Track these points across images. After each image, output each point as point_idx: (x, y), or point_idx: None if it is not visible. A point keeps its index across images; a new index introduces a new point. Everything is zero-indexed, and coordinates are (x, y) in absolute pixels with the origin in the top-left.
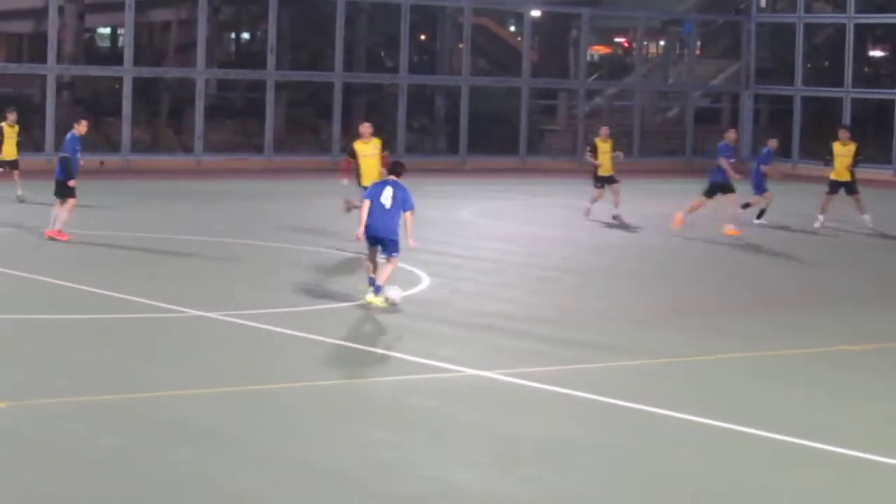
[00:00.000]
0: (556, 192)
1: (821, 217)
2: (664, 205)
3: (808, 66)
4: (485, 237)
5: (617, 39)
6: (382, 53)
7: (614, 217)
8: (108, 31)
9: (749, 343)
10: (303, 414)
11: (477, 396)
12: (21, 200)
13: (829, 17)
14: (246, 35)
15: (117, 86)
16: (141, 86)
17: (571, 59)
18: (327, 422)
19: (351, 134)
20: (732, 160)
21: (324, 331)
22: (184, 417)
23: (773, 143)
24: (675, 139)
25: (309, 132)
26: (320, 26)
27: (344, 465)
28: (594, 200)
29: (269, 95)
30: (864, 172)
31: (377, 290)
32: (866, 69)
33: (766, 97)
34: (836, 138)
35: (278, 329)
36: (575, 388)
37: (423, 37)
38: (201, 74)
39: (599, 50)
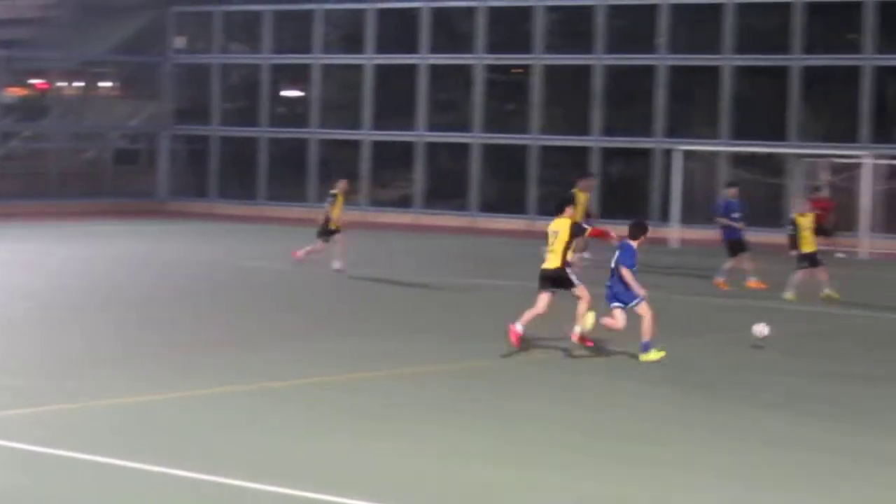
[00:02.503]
0: None
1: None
2: (90, 246)
3: (227, 106)
4: None
5: (32, 81)
6: None
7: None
8: None
9: (201, 381)
10: None
11: None
12: None
13: (244, 58)
14: None
15: None
16: None
17: None
18: None
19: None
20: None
21: None
22: None
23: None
24: (95, 181)
25: None
26: None
27: None
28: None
29: None
30: (279, 210)
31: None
32: (281, 109)
33: (185, 137)
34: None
35: None
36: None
37: None
38: None
39: (16, 92)
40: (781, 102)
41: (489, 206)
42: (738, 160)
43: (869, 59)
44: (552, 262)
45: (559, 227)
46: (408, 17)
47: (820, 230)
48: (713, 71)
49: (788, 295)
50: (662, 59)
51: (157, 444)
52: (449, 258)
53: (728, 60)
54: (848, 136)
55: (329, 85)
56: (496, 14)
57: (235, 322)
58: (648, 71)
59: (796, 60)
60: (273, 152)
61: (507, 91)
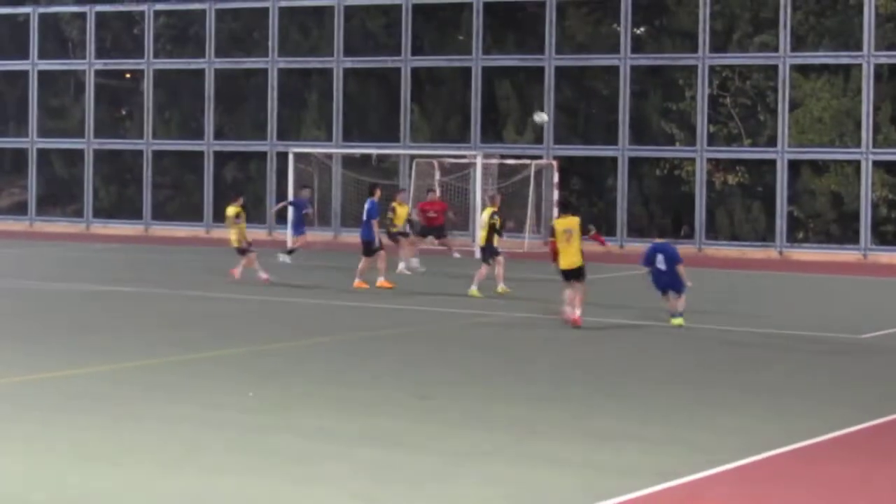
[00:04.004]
0: None
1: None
2: None
3: None
4: None
5: None
6: None
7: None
8: None
9: None
10: None
11: None
12: None
13: None
14: None
15: None
16: None
17: None
18: None
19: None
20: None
21: None
22: None
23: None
24: None
25: None
26: None
27: None
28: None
29: None
30: None
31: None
32: None
33: None
34: None
35: None
36: None
37: None
38: None
39: None
40: (393, 104)
41: (104, 212)
42: (352, 162)
43: (477, 60)
44: (574, 261)
45: (570, 225)
46: (17, 23)
47: (434, 231)
48: (324, 73)
49: (473, 290)
50: (274, 62)
51: None
52: (65, 265)
53: (338, 63)
54: (459, 136)
55: None
56: (105, 19)
57: None
58: (260, 74)
59: (406, 62)
60: None
61: (120, 96)
